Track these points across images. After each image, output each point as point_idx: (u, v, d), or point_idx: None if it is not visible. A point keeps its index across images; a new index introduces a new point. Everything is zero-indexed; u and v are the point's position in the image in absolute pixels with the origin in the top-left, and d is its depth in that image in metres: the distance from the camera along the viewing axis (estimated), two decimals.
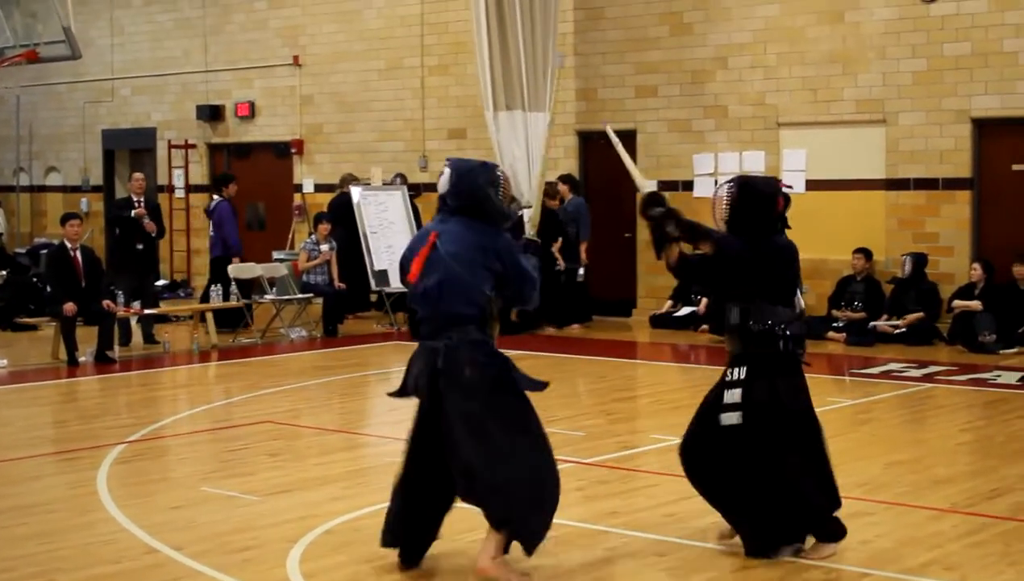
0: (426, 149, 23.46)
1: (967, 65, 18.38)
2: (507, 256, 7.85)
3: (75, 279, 17.11)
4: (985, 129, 18.41)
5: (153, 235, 19.04)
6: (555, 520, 8.86)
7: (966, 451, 11.26)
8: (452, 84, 23.23)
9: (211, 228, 20.95)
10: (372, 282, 20.69)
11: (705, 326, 19.37)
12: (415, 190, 22.57)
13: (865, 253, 18.66)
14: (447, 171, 7.92)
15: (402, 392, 8.21)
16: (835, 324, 18.58)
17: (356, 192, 21.36)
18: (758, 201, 8.19)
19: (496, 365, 7.89)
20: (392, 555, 7.97)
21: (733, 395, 7.95)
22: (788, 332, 8.01)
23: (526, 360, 17.58)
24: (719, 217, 8.33)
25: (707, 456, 8.13)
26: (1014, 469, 10.47)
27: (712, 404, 8.13)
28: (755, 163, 19.65)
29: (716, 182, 20.21)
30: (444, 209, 7.94)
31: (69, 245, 17.25)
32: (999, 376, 15.35)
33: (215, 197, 21.22)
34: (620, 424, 12.65)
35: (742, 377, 7.98)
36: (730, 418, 7.93)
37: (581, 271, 20.44)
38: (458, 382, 7.79)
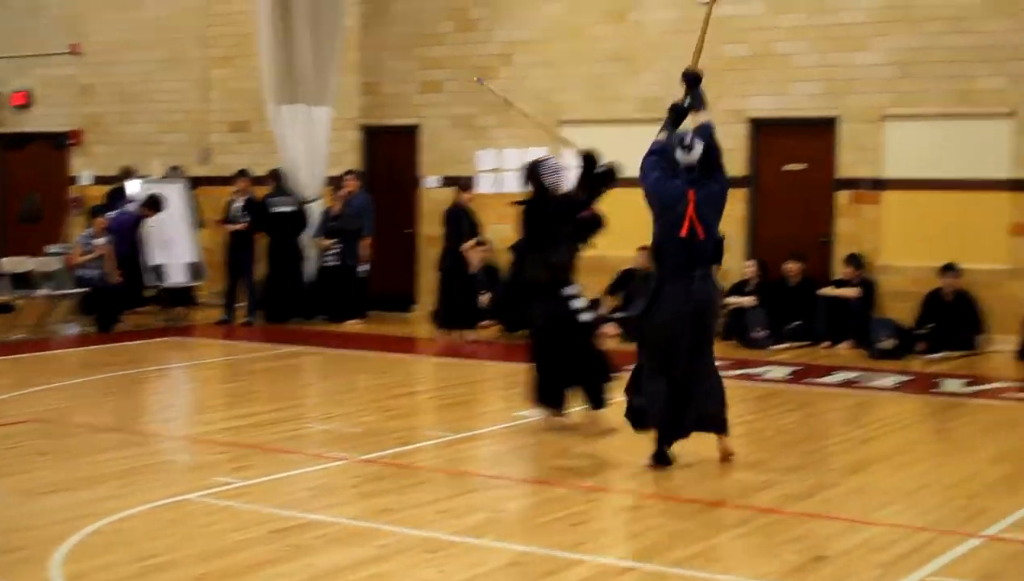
0: (208, 141, 23.16)
1: (744, 66, 18.78)
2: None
3: None
4: (761, 129, 18.81)
5: None
6: (328, 518, 8.86)
7: (737, 445, 11.44)
8: (236, 76, 22.94)
9: None
10: (150, 277, 20.30)
11: (486, 321, 19.44)
12: (194, 183, 22.22)
13: (648, 249, 18.89)
14: (698, 144, 10.45)
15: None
16: (615, 315, 18.80)
17: (134, 185, 20.99)
18: None
19: None
20: (163, 554, 7.86)
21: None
22: None
23: (304, 356, 17.54)
24: None
25: None
26: (783, 462, 10.71)
27: None
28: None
29: (499, 179, 20.51)
30: (688, 174, 10.40)
31: None
32: (770, 371, 15.72)
33: None
34: (397, 420, 12.62)
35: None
36: None
37: (364, 267, 20.38)
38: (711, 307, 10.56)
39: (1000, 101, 17.36)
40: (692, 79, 10.96)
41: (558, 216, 11.98)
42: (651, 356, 10.54)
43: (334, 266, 20.30)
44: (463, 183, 19.95)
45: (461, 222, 19.13)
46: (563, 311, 11.87)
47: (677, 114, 10.99)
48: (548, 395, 12.03)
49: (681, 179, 10.44)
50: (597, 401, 11.96)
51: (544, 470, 10.63)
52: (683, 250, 10.34)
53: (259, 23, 20.44)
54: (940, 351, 16.88)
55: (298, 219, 20.43)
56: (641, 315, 10.55)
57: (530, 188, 12.16)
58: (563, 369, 11.90)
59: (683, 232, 10.28)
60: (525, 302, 12.25)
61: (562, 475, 10.55)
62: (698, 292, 10.34)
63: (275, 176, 20.64)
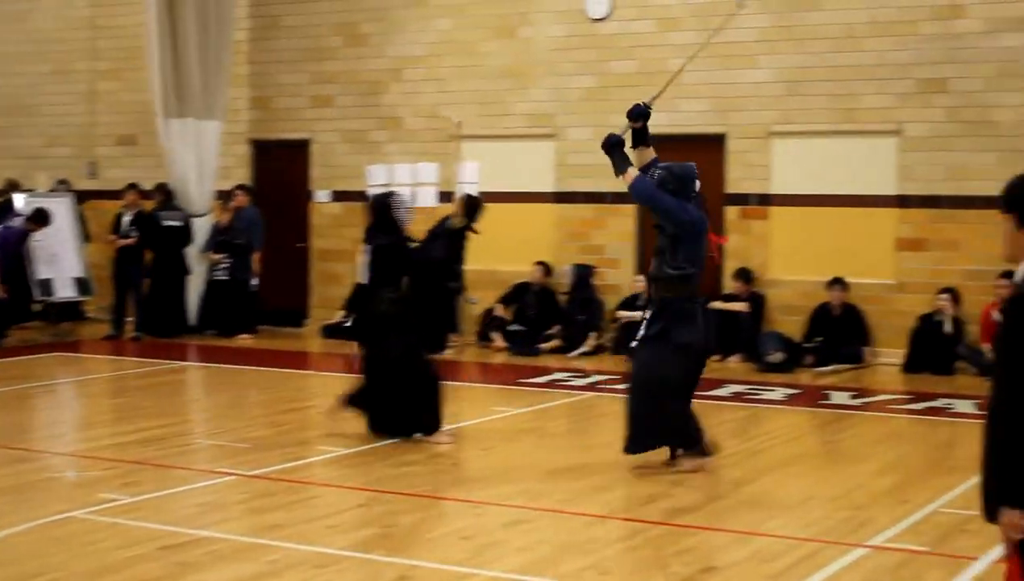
0: (95, 155, 22.91)
1: (633, 83, 18.85)
2: None
3: None
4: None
5: None
6: (217, 534, 8.80)
7: (626, 459, 11.50)
8: (123, 89, 22.74)
9: None
10: (37, 291, 20.02)
11: None
12: (81, 197, 21.95)
13: (545, 266, 18.96)
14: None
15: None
16: (508, 328, 18.87)
17: (19, 199, 20.70)
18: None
19: None
20: (49, 572, 7.76)
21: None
22: None
23: (193, 371, 17.40)
24: None
25: None
26: (668, 476, 10.77)
27: None
28: (430, 175, 19.75)
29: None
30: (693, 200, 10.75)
31: None
32: None
33: None
34: (287, 435, 12.55)
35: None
36: None
37: (254, 281, 20.25)
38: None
39: (885, 118, 17.62)
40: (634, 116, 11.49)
41: (412, 265, 12.25)
42: (685, 377, 10.82)
43: (224, 281, 20.14)
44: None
45: None
46: (412, 344, 11.98)
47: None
48: (385, 421, 12.17)
49: (693, 204, 10.85)
50: (433, 425, 12.11)
51: (433, 485, 10.61)
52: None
53: (147, 36, 20.27)
54: (828, 364, 17.08)
55: (185, 233, 20.26)
56: (691, 341, 10.69)
57: (373, 218, 12.27)
58: (407, 398, 12.04)
59: (713, 254, 11.04)
60: (380, 334, 12.14)
61: (451, 490, 10.55)
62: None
63: (163, 190, 20.46)
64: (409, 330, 11.99)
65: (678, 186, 10.84)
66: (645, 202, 11.16)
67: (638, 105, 11.32)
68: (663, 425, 10.85)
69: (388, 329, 11.95)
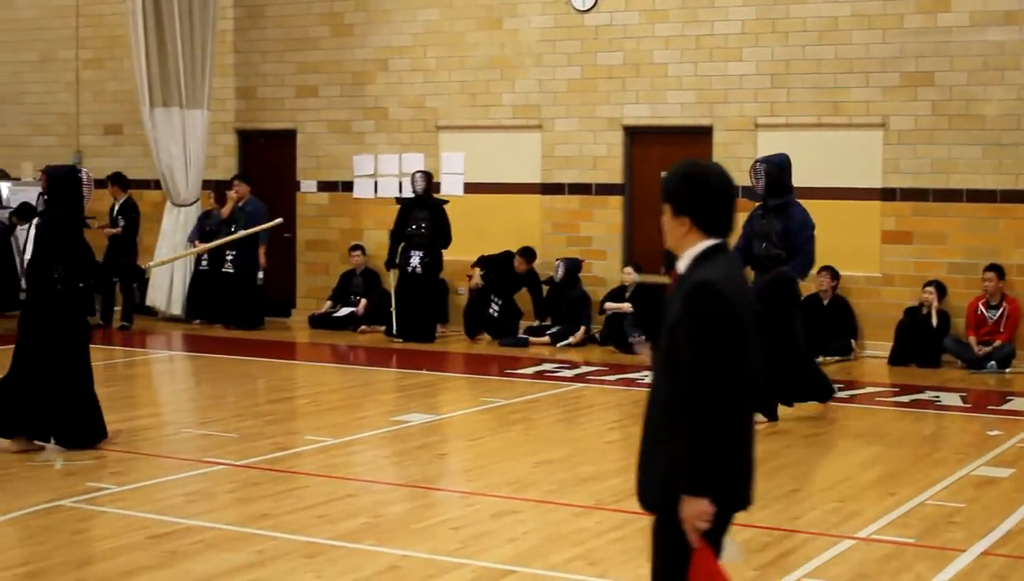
0: (80, 144, 22.86)
1: (619, 74, 18.91)
2: None
3: None
4: (636, 137, 18.96)
5: None
6: (206, 523, 8.80)
7: (614, 449, 11.55)
8: (108, 78, 22.68)
9: None
10: (24, 282, 19.95)
11: (364, 327, 19.40)
12: None
13: (528, 254, 18.90)
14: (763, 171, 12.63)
15: None
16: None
17: (4, 187, 20.65)
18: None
19: None
20: (35, 561, 7.76)
21: None
22: None
23: (181, 361, 17.40)
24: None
25: None
26: None
27: None
28: (415, 165, 19.75)
29: (376, 184, 20.47)
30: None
31: None
32: (647, 376, 15.80)
33: None
34: (275, 426, 12.54)
35: None
36: None
37: (260, 274, 20.04)
38: None
39: (870, 112, 17.64)
40: None
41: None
42: None
43: (229, 273, 19.93)
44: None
45: None
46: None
47: None
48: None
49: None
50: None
51: (422, 475, 10.63)
52: None
53: (131, 25, 20.23)
54: (816, 357, 17.09)
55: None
56: None
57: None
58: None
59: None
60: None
61: (440, 480, 10.57)
62: None
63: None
64: None
65: (785, 173, 12.65)
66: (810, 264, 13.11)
67: None
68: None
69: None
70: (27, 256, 11.08)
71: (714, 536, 4.97)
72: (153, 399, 14.79)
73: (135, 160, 21.73)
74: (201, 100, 20.58)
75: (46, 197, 11.31)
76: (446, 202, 18.88)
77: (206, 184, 20.93)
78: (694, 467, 4.88)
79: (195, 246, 20.00)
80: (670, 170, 5.21)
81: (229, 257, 19.92)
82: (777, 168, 12.65)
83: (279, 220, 15.44)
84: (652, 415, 5.14)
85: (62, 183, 11.17)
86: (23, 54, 23.47)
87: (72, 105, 23.02)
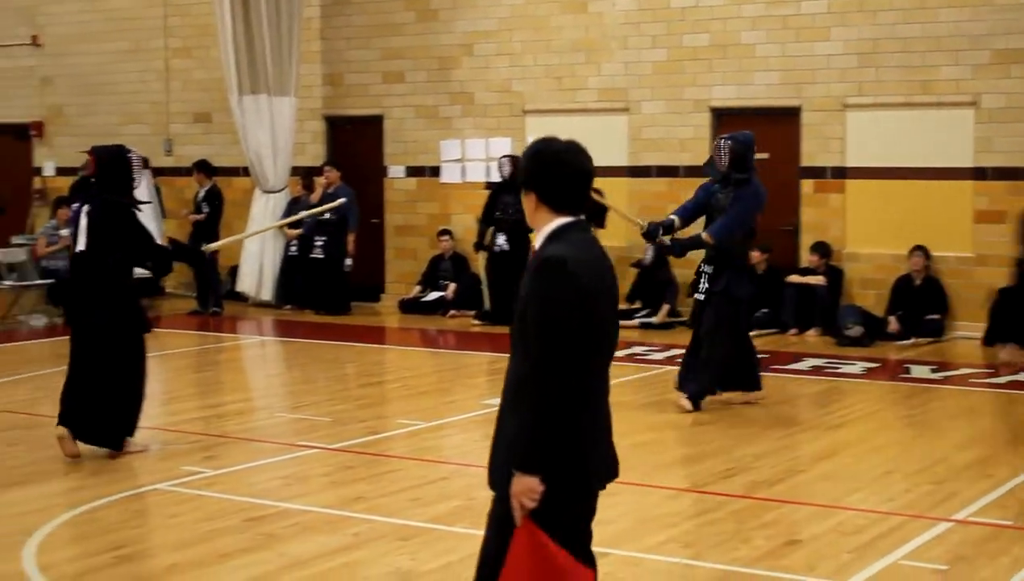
0: (170, 132, 23.07)
1: (706, 56, 18.80)
2: None
3: None
4: (723, 118, 18.85)
5: None
6: (301, 507, 8.86)
7: (704, 432, 11.51)
8: (196, 67, 22.87)
9: None
10: None
11: (453, 311, 19.44)
12: (155, 173, 22.09)
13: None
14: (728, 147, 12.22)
15: None
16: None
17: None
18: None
19: None
20: (134, 544, 7.85)
21: None
22: None
23: (272, 346, 17.52)
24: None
25: None
26: (748, 449, 10.75)
27: None
28: (502, 149, 19.76)
29: (463, 169, 20.52)
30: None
31: None
32: None
33: None
34: (367, 410, 12.61)
35: None
36: None
37: (348, 261, 20.12)
38: None
39: (961, 90, 17.43)
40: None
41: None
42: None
43: (319, 258, 20.03)
44: None
45: None
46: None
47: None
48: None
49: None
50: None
51: None
52: None
53: (219, 13, 20.37)
54: (910, 337, 16.95)
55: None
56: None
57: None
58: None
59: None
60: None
61: None
62: None
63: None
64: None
65: (749, 152, 12.25)
66: (735, 230, 12.39)
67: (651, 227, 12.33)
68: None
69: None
70: (79, 246, 10.45)
71: (550, 518, 4.91)
72: (245, 384, 14.91)
73: (224, 148, 21.90)
74: (288, 87, 20.70)
75: (94, 180, 10.86)
76: None
77: (294, 171, 21.06)
78: (524, 443, 4.85)
79: (288, 232, 20.15)
80: (520, 159, 5.22)
81: (319, 243, 20.00)
82: (742, 145, 12.41)
83: (340, 200, 15.42)
84: (506, 392, 5.09)
85: (112, 166, 10.74)
86: (113, 44, 23.72)
87: (162, 94, 23.23)
